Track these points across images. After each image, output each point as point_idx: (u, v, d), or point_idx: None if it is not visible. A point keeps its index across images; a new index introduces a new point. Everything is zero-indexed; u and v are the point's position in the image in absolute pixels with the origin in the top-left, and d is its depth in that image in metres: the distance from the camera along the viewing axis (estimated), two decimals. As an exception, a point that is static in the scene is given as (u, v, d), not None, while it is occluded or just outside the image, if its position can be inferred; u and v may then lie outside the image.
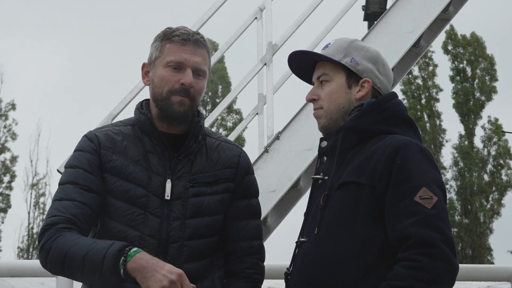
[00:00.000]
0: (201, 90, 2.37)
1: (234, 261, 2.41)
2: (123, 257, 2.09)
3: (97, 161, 2.33)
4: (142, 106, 2.41)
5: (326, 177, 2.31)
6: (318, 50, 2.44)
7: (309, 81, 2.47)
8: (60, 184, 2.33)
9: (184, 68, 2.33)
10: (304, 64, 2.44)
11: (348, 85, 2.35)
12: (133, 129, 2.39)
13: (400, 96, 25.99)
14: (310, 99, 2.40)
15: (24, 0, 35.78)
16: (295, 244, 2.35)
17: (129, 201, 2.29)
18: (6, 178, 24.88)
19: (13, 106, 25.65)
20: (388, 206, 2.14)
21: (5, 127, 25.23)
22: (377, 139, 2.26)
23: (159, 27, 2.43)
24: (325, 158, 2.36)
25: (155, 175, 2.32)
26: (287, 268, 2.34)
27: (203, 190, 2.35)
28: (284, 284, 2.36)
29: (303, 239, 2.30)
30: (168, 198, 2.30)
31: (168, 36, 2.36)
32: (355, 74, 2.34)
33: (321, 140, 2.38)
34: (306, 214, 2.38)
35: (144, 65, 2.43)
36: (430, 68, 26.66)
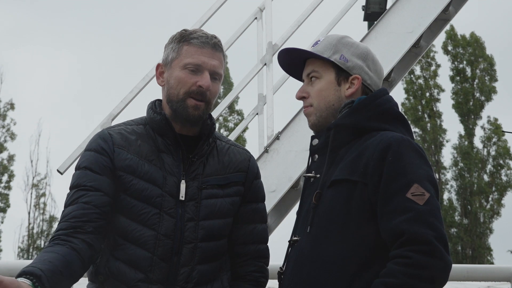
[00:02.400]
0: (216, 93, 2.38)
1: (241, 264, 2.42)
2: None
3: (107, 162, 2.30)
4: (156, 106, 2.41)
5: (318, 175, 2.30)
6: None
7: (298, 78, 2.47)
8: (69, 189, 2.32)
9: (202, 70, 2.33)
10: (295, 61, 2.43)
11: (338, 82, 2.33)
12: (145, 129, 2.38)
13: (403, 96, 26.05)
14: (300, 97, 2.38)
15: (37, 10, 36.70)
16: (288, 243, 2.35)
17: (144, 200, 2.28)
18: (4, 178, 24.89)
19: (11, 106, 25.67)
20: (380, 203, 2.13)
21: (3, 127, 25.24)
22: (369, 135, 2.25)
23: (162, 36, 2.44)
24: (316, 156, 2.35)
25: (169, 175, 2.31)
26: (280, 267, 2.34)
27: (216, 192, 2.35)
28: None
29: (295, 238, 2.29)
30: (183, 198, 2.30)
31: (186, 38, 2.35)
32: (345, 71, 2.33)
33: (312, 138, 2.37)
34: (298, 213, 2.38)
35: (158, 66, 2.42)
36: (432, 68, 26.67)
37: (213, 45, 2.35)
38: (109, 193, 2.28)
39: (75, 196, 2.27)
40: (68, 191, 2.32)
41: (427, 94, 26.33)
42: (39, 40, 34.76)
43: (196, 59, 2.33)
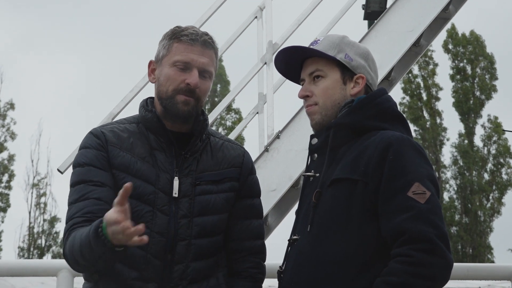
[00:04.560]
0: (207, 90, 2.37)
1: (237, 260, 2.42)
2: (103, 237, 2.04)
3: (105, 157, 2.31)
4: (147, 104, 2.41)
5: (317, 174, 2.31)
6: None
7: (292, 79, 2.47)
8: (72, 185, 2.31)
9: (191, 68, 2.33)
10: (291, 62, 2.42)
11: (343, 81, 2.34)
12: (138, 127, 2.38)
13: (401, 95, 26.05)
14: (303, 96, 2.38)
15: (47, 18, 37.87)
16: (287, 242, 2.35)
17: (137, 197, 2.27)
18: (5, 178, 24.88)
19: (12, 106, 25.67)
20: (381, 201, 2.14)
21: (3, 126, 25.25)
22: (369, 135, 2.26)
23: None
24: (316, 155, 2.36)
25: (162, 172, 2.31)
26: (279, 266, 2.35)
27: (210, 189, 2.35)
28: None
29: (295, 237, 2.30)
30: (176, 195, 2.30)
31: (176, 35, 2.35)
32: (349, 70, 2.34)
33: (312, 137, 2.37)
34: (297, 212, 2.39)
35: (151, 63, 2.43)
36: (430, 67, 26.66)
37: (203, 42, 2.35)
38: (113, 188, 2.28)
39: (84, 191, 2.26)
40: (70, 188, 2.31)
41: (426, 92, 26.32)
42: (48, 46, 35.90)
43: (185, 56, 2.32)
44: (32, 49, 36.17)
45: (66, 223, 2.25)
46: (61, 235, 24.81)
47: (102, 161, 2.30)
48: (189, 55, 2.33)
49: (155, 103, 2.40)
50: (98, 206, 2.23)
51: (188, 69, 2.33)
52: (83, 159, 2.32)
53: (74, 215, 2.24)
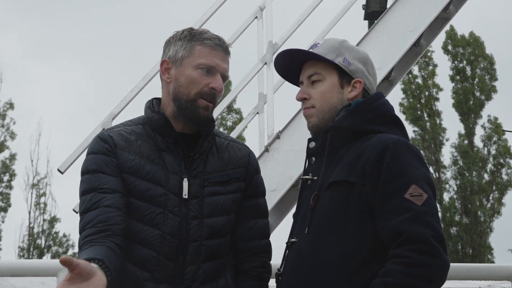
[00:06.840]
0: (221, 95, 2.40)
1: (243, 260, 2.43)
2: None
3: (115, 162, 2.30)
4: (153, 105, 2.40)
5: (315, 178, 2.31)
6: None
7: (292, 81, 2.48)
8: (82, 194, 2.29)
9: (215, 72, 2.34)
10: (291, 64, 2.43)
11: (341, 85, 2.35)
12: (144, 128, 2.38)
13: (400, 96, 26.05)
14: (301, 98, 2.39)
15: (57, 27, 38.26)
16: (285, 245, 2.36)
17: (148, 200, 2.27)
18: (6, 177, 24.87)
19: (11, 106, 25.68)
20: (378, 203, 2.15)
21: (2, 126, 25.25)
22: (366, 138, 2.27)
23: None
24: (313, 158, 2.37)
25: (171, 174, 2.31)
26: (278, 269, 2.36)
27: (218, 190, 2.35)
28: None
29: (293, 240, 2.30)
30: (186, 197, 2.30)
31: (197, 38, 2.35)
32: (347, 74, 2.35)
33: (309, 140, 2.38)
34: (295, 215, 2.39)
35: (164, 62, 2.40)
36: (430, 67, 26.67)
37: (225, 48, 2.38)
38: (124, 194, 2.27)
39: (94, 199, 2.25)
40: (81, 197, 2.29)
41: (426, 93, 26.33)
42: (51, 50, 36.43)
43: (210, 60, 2.33)
44: (36, 51, 36.74)
45: (80, 234, 2.23)
46: (60, 235, 24.84)
47: (112, 166, 2.29)
48: (214, 60, 2.34)
49: (165, 104, 2.39)
50: (108, 214, 2.22)
51: (212, 73, 2.34)
52: (92, 165, 2.30)
53: (86, 226, 2.22)
